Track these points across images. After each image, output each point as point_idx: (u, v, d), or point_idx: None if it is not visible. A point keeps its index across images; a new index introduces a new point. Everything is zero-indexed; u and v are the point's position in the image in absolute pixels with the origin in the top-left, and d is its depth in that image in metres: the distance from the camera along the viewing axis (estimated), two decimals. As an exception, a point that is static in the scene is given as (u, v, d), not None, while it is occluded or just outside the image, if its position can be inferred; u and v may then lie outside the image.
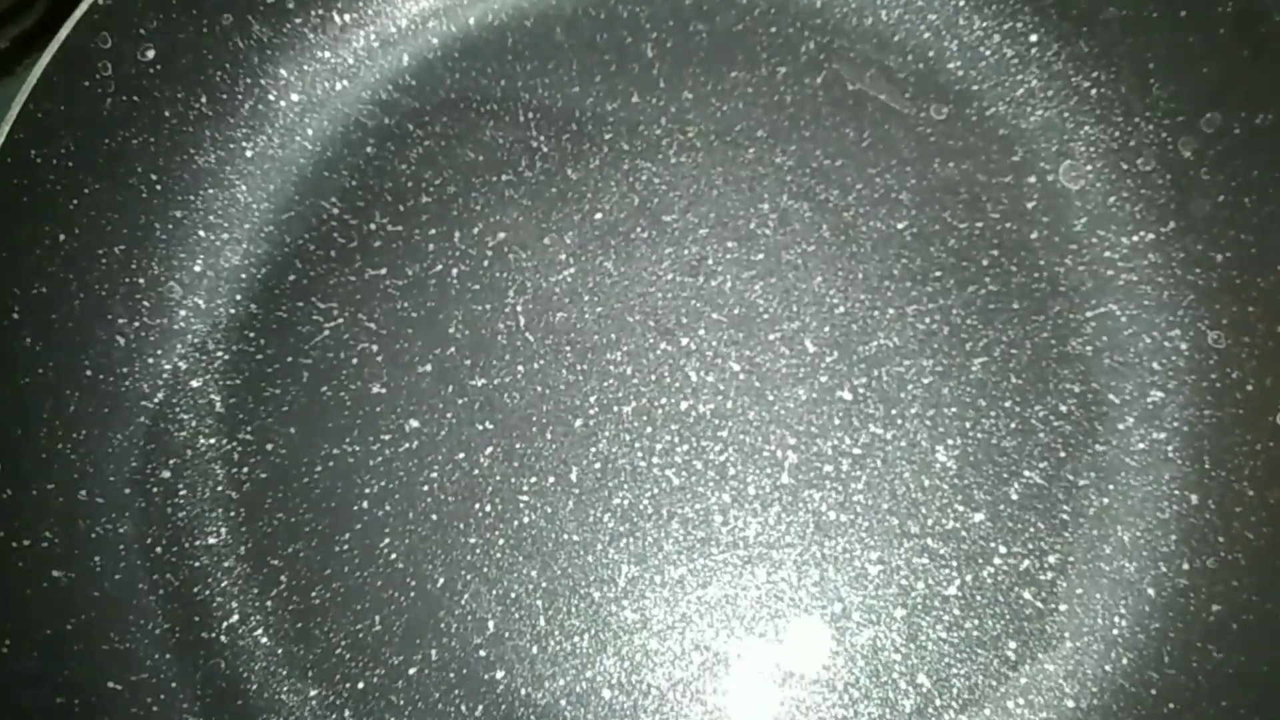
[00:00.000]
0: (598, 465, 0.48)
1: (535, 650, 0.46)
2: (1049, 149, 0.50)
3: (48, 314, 0.46)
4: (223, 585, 0.47)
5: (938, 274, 0.49)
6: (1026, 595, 0.45)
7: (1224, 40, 0.45)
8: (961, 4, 0.51)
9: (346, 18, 0.53)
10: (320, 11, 0.52)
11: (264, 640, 0.47)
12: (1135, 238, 0.48)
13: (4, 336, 0.44)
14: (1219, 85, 0.45)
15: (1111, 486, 0.46)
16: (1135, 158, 0.49)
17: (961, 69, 0.51)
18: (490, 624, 0.46)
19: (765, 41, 0.53)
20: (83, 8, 0.45)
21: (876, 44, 0.52)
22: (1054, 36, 0.50)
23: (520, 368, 0.49)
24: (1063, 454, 0.47)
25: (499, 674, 0.46)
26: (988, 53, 0.51)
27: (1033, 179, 0.50)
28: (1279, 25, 0.42)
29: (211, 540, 0.48)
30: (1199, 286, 0.47)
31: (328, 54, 0.53)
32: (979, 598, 0.45)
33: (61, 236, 0.46)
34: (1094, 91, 0.49)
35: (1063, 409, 0.47)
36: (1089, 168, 0.50)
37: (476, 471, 0.48)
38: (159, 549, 0.47)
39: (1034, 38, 0.50)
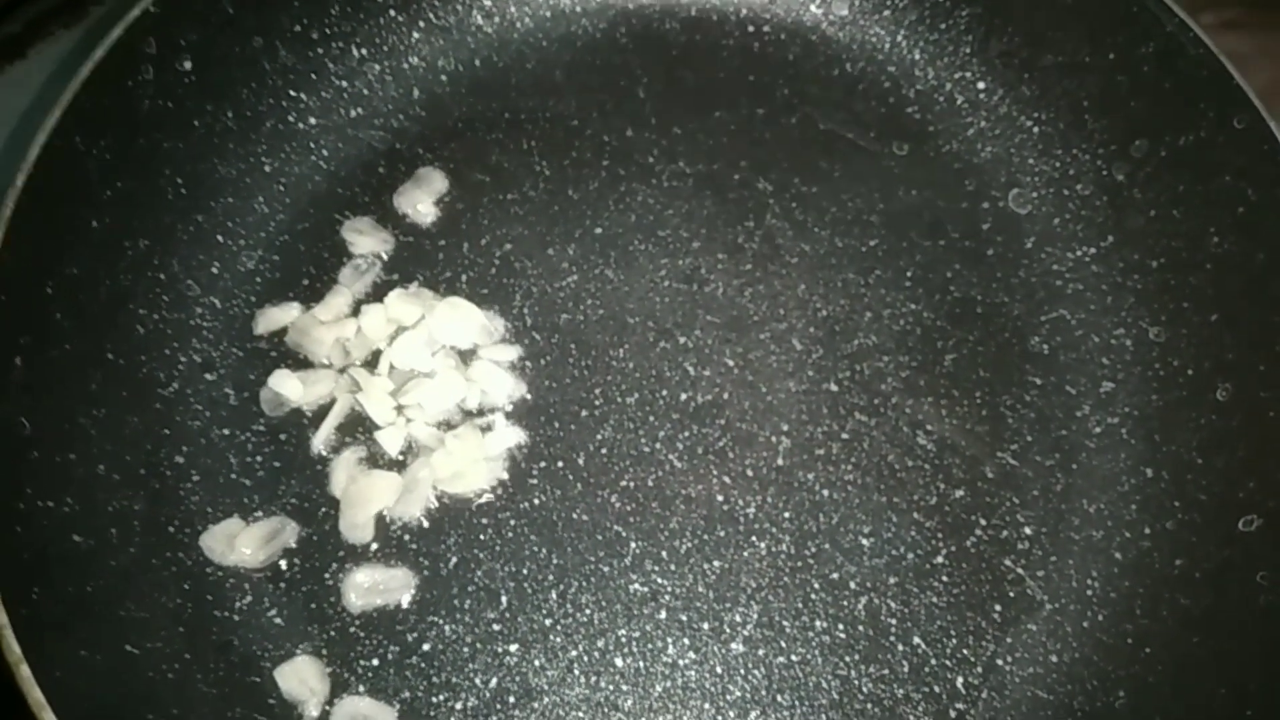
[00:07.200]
0: (604, 451, 0.50)
1: (548, 623, 0.47)
2: (999, 179, 0.56)
3: (77, 294, 0.47)
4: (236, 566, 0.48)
5: (908, 284, 0.54)
6: (1007, 562, 0.49)
7: (1148, 76, 0.52)
8: (917, 57, 0.59)
9: (364, 51, 0.57)
10: (340, 44, 0.56)
11: (277, 620, 0.47)
12: (1079, 252, 0.55)
13: (40, 308, 0.45)
14: (1145, 115, 0.53)
15: (1075, 466, 0.51)
16: (1075, 184, 0.55)
17: (919, 112, 0.58)
18: (503, 599, 0.47)
19: (744, 87, 0.59)
20: (135, 11, 0.48)
21: (843, 91, 0.59)
22: (999, 83, 0.57)
23: (528, 363, 0.52)
24: (1029, 438, 0.51)
25: (513, 647, 0.47)
26: (941, 99, 0.58)
27: (986, 205, 0.56)
28: (1194, 59, 0.50)
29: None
30: (1138, 290, 0.53)
31: (344, 83, 0.57)
32: (964, 565, 0.49)
33: (94, 224, 0.48)
34: (1036, 129, 0.56)
35: (1027, 399, 0.52)
36: (1035, 194, 0.56)
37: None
38: (171, 528, 0.47)
39: (981, 85, 0.58)
